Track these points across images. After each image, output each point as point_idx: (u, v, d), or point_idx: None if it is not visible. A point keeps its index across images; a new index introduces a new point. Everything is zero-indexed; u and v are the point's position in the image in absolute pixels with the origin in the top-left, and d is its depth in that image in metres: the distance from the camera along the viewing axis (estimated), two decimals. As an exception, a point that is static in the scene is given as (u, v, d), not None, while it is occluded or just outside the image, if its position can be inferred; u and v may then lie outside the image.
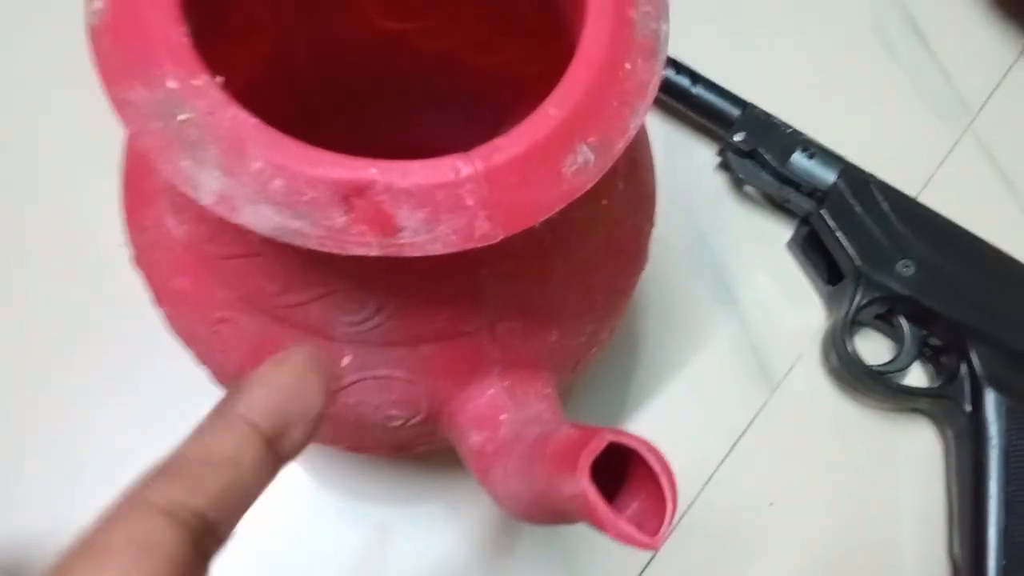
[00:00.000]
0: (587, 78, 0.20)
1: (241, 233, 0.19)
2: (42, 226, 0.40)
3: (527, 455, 0.21)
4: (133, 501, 0.15)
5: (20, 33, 0.43)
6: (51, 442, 0.36)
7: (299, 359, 0.18)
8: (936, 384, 0.41)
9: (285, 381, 0.17)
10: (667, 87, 0.43)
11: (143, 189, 0.24)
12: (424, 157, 0.19)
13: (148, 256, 0.24)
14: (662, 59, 0.22)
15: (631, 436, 0.17)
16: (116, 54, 0.19)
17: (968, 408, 0.38)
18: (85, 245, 0.39)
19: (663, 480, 0.16)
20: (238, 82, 0.30)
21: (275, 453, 0.16)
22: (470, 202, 0.19)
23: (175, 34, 0.19)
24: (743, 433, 0.40)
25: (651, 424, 0.39)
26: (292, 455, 0.17)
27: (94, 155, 0.32)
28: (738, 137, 0.42)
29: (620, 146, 0.20)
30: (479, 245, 0.19)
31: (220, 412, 0.17)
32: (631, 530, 0.15)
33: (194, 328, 0.24)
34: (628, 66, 0.21)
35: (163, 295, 0.24)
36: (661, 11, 0.22)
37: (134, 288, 0.26)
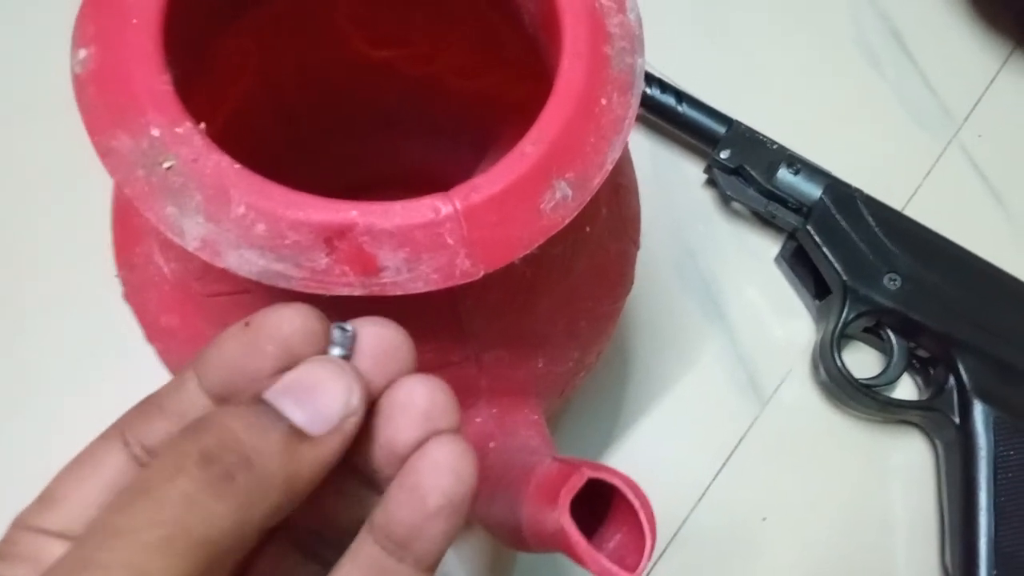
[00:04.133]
0: (563, 115, 0.20)
1: (227, 272, 0.19)
2: (40, 255, 0.40)
3: (513, 485, 0.21)
4: (112, 425, 0.18)
5: (15, 61, 0.44)
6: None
7: (256, 326, 0.17)
8: (925, 396, 0.41)
9: (232, 345, 0.17)
10: (653, 106, 0.43)
11: (132, 227, 0.25)
12: (413, 180, 0.20)
13: (138, 293, 0.25)
14: (638, 92, 0.22)
15: (610, 471, 0.17)
16: (101, 102, 0.19)
17: (956, 420, 0.39)
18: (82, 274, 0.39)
19: (642, 516, 0.16)
20: (227, 111, 0.31)
21: None
22: (450, 241, 0.19)
23: (158, 82, 0.19)
24: (735, 448, 0.40)
25: (643, 442, 0.40)
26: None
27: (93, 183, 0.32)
28: (724, 154, 0.42)
29: (597, 181, 0.21)
30: (460, 283, 0.19)
31: (189, 364, 0.18)
32: (610, 566, 0.16)
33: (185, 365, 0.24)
34: (604, 101, 0.21)
35: (153, 332, 0.25)
36: (636, 45, 0.22)
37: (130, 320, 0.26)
